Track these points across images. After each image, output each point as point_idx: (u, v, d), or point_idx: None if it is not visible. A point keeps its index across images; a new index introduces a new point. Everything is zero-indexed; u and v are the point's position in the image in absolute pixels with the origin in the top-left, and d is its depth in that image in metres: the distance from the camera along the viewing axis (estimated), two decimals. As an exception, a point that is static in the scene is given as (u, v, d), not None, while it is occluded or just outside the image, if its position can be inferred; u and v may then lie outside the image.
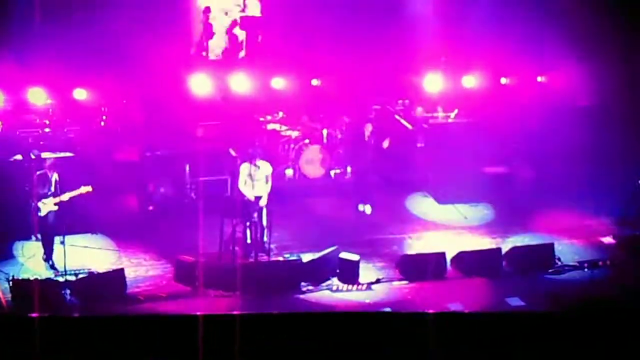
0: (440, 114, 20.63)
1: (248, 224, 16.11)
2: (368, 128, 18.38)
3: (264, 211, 16.21)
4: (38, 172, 15.85)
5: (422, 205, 19.10)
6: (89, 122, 19.93)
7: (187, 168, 18.76)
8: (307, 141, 19.78)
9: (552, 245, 16.70)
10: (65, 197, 15.62)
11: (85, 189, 15.67)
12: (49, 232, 15.77)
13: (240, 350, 4.35)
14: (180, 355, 4.37)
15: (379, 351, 4.43)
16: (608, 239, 17.43)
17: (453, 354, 4.29)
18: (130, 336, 4.50)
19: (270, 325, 4.28)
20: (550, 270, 16.23)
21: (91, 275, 15.40)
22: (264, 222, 16.23)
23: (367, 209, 18.43)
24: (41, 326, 4.42)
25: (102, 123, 20.21)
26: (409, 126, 20.51)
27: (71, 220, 15.94)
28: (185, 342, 4.31)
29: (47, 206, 15.63)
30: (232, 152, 18.89)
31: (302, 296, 15.30)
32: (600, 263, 16.24)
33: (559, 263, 16.41)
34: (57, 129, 19.44)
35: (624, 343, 4.51)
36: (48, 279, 15.14)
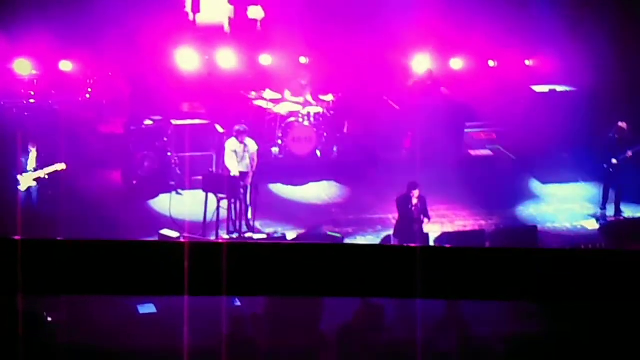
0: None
1: (233, 200, 16.09)
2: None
3: (249, 188, 16.19)
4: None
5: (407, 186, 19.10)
6: (74, 94, 19.81)
7: (173, 142, 18.68)
8: (294, 119, 19.73)
9: (535, 228, 16.78)
10: (41, 173, 15.57)
11: (60, 166, 15.65)
12: (31, 206, 15.73)
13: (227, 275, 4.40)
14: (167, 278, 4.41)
15: (364, 279, 4.51)
16: (591, 224, 17.51)
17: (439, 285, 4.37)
18: (113, 261, 4.52)
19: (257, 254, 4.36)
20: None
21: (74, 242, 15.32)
22: (249, 200, 16.22)
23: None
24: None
25: (88, 95, 20.10)
26: (396, 107, 20.50)
27: (53, 195, 15.86)
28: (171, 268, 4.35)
29: (25, 181, 15.57)
30: (219, 128, 18.85)
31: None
32: (582, 247, 16.31)
33: (542, 247, 16.49)
34: (42, 100, 19.32)
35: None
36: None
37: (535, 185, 19.37)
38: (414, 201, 14.34)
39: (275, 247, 4.53)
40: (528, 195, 18.95)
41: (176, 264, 4.32)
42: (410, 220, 14.35)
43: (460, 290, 4.67)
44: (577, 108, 19.48)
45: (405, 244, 14.35)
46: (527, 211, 18.18)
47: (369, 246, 9.35)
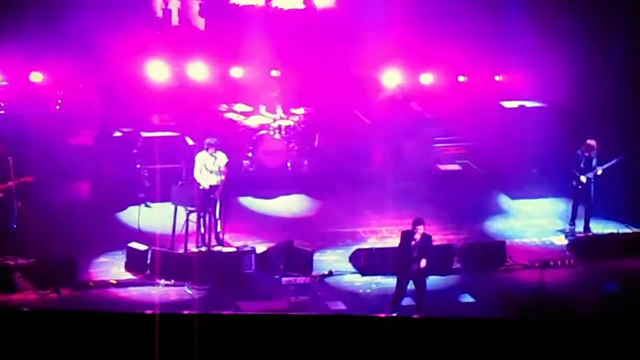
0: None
1: (202, 213, 16.05)
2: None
3: (219, 201, 16.15)
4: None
5: (377, 200, 19.15)
6: (44, 106, 19.70)
7: (142, 154, 18.60)
8: (264, 132, 19.73)
9: (503, 243, 16.86)
10: (8, 184, 15.44)
11: (27, 179, 15.56)
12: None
13: (198, 349, 4.32)
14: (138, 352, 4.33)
15: (331, 353, 4.45)
16: (560, 239, 17.61)
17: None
18: (86, 331, 4.44)
19: (227, 326, 4.28)
20: (501, 268, 16.38)
21: (42, 260, 15.24)
22: (218, 213, 16.17)
23: None
24: None
25: (58, 107, 20.00)
26: (367, 121, 20.56)
27: (22, 206, 15.73)
28: (142, 340, 4.26)
29: None
30: (189, 141, 18.80)
31: (255, 287, 15.31)
32: (551, 263, 16.41)
33: (510, 261, 16.57)
34: (11, 111, 19.20)
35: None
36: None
37: (504, 200, 19.49)
38: (417, 237, 14.12)
39: (246, 319, 4.49)
40: (497, 210, 19.04)
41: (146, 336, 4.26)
42: (408, 256, 14.15)
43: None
44: (546, 124, 19.62)
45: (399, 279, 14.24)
46: (496, 226, 18.27)
47: (339, 317, 9.23)
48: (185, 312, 4.98)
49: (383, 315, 9.12)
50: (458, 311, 14.59)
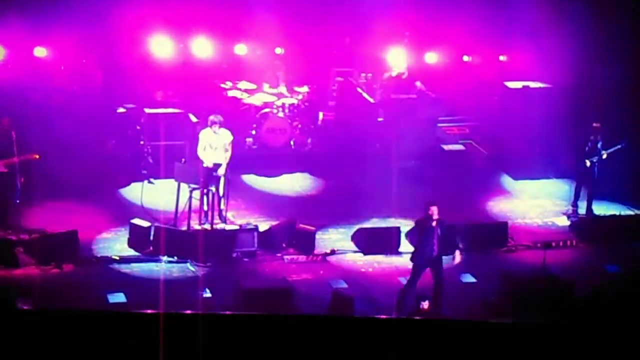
0: None
1: (205, 191, 16.06)
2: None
3: (222, 179, 16.15)
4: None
5: (380, 179, 19.13)
6: (48, 81, 19.67)
7: (145, 131, 18.58)
8: (268, 110, 19.71)
9: (505, 224, 16.89)
10: (12, 160, 15.44)
11: (33, 156, 15.55)
12: (1, 192, 15.61)
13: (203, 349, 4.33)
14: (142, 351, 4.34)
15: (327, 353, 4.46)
16: (562, 221, 17.63)
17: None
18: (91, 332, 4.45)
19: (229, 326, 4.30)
20: (503, 249, 16.41)
21: (45, 235, 15.28)
22: (221, 190, 16.18)
23: None
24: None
25: (62, 82, 19.95)
26: (371, 100, 20.52)
27: (25, 181, 15.73)
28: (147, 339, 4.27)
29: None
30: (192, 118, 18.79)
31: (257, 265, 15.35)
32: (553, 244, 16.43)
33: (512, 242, 16.59)
34: (15, 85, 19.16)
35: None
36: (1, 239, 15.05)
37: (507, 180, 19.48)
38: (433, 224, 13.77)
39: (249, 319, 4.48)
40: (499, 191, 19.05)
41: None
42: (429, 243, 13.75)
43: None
44: (550, 104, 19.56)
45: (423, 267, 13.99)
46: (499, 206, 18.28)
47: (342, 317, 9.19)
48: (189, 312, 4.99)
49: (385, 317, 9.11)
50: (459, 291, 14.64)
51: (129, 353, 4.40)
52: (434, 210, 13.65)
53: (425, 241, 13.77)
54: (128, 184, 17.92)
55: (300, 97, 20.11)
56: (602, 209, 17.81)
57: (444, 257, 13.94)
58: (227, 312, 7.10)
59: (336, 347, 4.50)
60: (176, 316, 4.39)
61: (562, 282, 14.57)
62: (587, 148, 17.42)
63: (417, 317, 12.27)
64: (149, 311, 4.73)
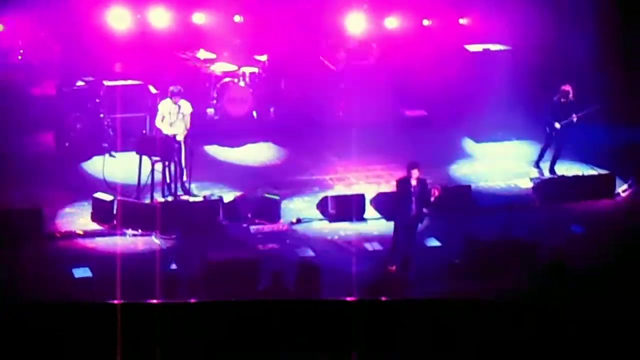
0: None
1: (167, 163, 15.95)
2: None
3: (184, 150, 16.05)
4: None
5: (343, 146, 19.13)
6: (5, 56, 19.41)
7: (105, 104, 18.39)
8: (229, 79, 19.57)
9: (469, 187, 16.97)
10: None
11: None
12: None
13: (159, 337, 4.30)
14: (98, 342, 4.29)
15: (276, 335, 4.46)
16: (525, 182, 17.72)
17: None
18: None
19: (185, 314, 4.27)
20: (467, 212, 16.48)
21: (7, 211, 15.12)
22: (184, 162, 16.09)
23: None
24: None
25: (19, 57, 19.71)
26: (332, 67, 20.44)
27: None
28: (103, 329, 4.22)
29: None
30: (152, 89, 18.62)
31: (222, 236, 15.32)
32: (516, 206, 16.53)
33: (476, 205, 16.67)
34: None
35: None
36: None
37: (469, 144, 19.56)
38: (413, 182, 14.02)
39: (207, 307, 4.44)
40: (462, 154, 19.12)
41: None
42: (408, 202, 14.02)
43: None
44: (511, 67, 19.58)
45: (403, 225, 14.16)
46: (461, 170, 18.36)
47: (302, 302, 9.15)
48: (148, 301, 4.96)
49: (352, 298, 9.15)
50: (424, 256, 14.71)
51: (87, 343, 4.36)
52: (415, 173, 13.93)
53: (404, 201, 13.93)
54: (89, 158, 17.76)
55: (261, 65, 19.98)
56: (563, 168, 17.93)
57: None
58: (187, 300, 7.11)
59: (302, 331, 4.50)
60: (134, 306, 4.36)
61: (526, 244, 14.67)
62: (556, 111, 17.45)
63: (384, 283, 12.35)
64: (109, 301, 4.70)
